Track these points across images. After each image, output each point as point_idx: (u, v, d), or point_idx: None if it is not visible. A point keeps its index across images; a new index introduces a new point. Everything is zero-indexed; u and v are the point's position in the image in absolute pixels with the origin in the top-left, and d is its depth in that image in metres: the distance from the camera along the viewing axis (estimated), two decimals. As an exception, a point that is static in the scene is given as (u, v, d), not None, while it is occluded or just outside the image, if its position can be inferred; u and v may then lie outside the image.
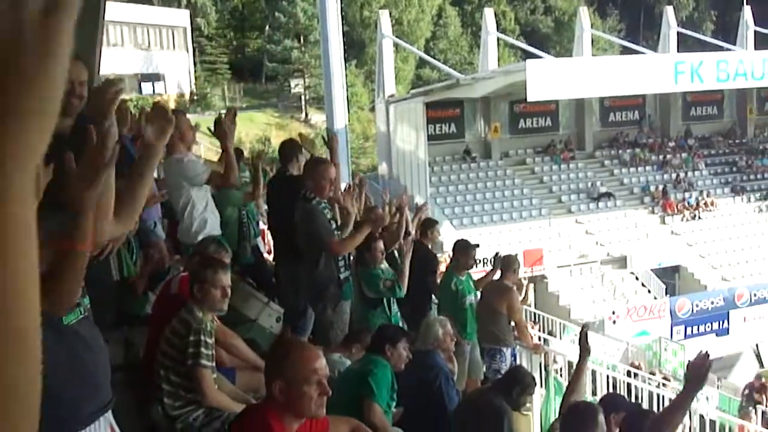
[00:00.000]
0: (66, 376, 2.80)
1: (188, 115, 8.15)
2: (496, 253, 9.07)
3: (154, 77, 51.75)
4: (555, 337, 18.47)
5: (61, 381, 2.76)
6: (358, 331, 6.45)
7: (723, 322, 30.46)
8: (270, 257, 10.11)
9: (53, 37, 0.75)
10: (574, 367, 5.57)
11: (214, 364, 4.53)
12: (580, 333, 5.50)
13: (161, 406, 4.44)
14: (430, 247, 9.40)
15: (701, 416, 11.14)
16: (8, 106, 0.73)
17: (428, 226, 9.48)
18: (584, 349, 5.38)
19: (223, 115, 6.25)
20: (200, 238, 6.35)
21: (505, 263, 8.63)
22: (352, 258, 7.21)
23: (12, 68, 0.73)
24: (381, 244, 7.42)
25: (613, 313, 28.67)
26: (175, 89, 53.39)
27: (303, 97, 57.88)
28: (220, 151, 6.65)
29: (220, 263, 4.76)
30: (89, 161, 2.09)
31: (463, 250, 8.79)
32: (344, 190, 7.32)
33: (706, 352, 4.82)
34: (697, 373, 4.56)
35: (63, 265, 2.16)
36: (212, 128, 6.24)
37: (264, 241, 11.16)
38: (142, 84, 50.84)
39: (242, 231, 8.39)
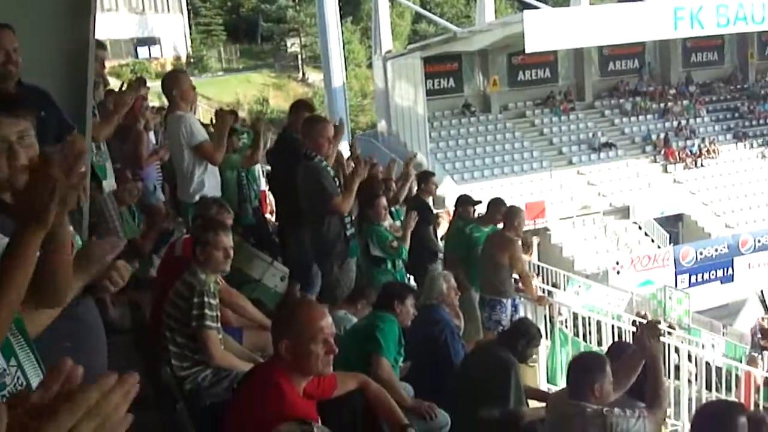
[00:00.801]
0: (65, 353, 2.80)
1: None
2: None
3: (150, 41, 51.39)
4: (559, 288, 18.51)
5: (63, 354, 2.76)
6: (362, 287, 6.47)
7: (727, 270, 30.54)
8: (272, 218, 10.12)
9: None
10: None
11: (219, 324, 4.54)
12: (641, 329, 4.90)
13: (169, 368, 4.46)
14: (427, 200, 9.40)
15: (707, 363, 11.17)
16: None
17: (423, 178, 9.46)
18: (643, 347, 4.79)
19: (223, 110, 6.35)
20: (198, 197, 6.35)
21: (509, 215, 8.61)
22: (355, 216, 7.22)
23: None
24: (384, 200, 7.43)
25: (617, 263, 28.73)
26: (171, 52, 53.04)
27: (299, 56, 57.46)
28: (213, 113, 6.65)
29: (221, 224, 4.75)
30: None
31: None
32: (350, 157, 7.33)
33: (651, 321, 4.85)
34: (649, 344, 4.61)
35: (51, 273, 2.19)
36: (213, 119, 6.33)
37: (265, 202, 11.16)
38: (138, 48, 50.54)
39: (242, 193, 8.40)
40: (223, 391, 4.41)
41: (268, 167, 10.04)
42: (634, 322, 13.15)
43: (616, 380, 4.54)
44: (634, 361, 4.84)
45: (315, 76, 52.87)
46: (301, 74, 57.10)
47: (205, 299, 4.40)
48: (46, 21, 4.81)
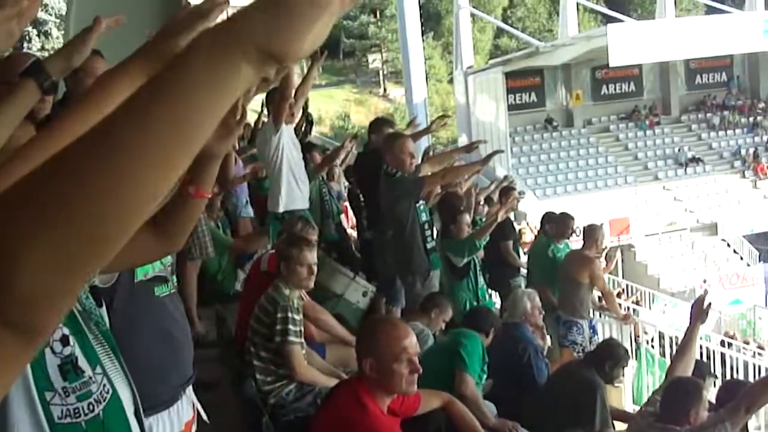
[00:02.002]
0: (156, 346, 2.92)
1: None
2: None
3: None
4: (644, 307, 18.13)
5: (151, 349, 2.88)
6: (435, 296, 6.42)
7: (820, 288, 29.45)
8: (353, 233, 10.20)
9: None
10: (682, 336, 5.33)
11: (303, 340, 4.58)
12: (697, 300, 5.20)
13: (254, 382, 4.52)
14: (509, 215, 9.35)
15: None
16: None
17: (504, 193, 9.40)
18: (696, 316, 5.13)
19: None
20: (285, 207, 6.45)
21: (587, 233, 8.50)
22: (437, 232, 7.23)
23: None
24: (467, 217, 7.40)
25: (704, 281, 27.97)
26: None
27: (381, 71, 57.87)
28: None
29: (305, 241, 4.80)
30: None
31: (562, 221, 9.02)
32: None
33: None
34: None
35: (182, 209, 2.02)
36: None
37: (347, 217, 11.26)
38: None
39: (324, 208, 8.48)
40: (306, 406, 4.46)
41: (347, 183, 10.15)
42: (722, 342, 12.81)
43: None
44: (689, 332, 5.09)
45: (396, 92, 53.16)
46: (382, 90, 57.49)
47: (289, 314, 4.45)
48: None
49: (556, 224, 9.04)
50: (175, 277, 3.07)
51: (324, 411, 3.39)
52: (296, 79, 6.59)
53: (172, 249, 2.16)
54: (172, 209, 1.92)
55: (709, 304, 5.15)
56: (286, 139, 6.59)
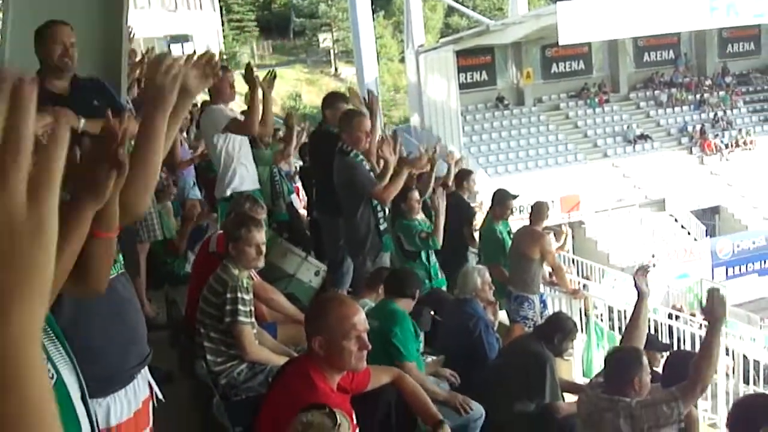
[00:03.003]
0: (110, 327, 2.92)
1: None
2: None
3: (183, 38, 51.68)
4: (594, 282, 18.38)
5: (106, 332, 2.88)
6: (378, 271, 6.42)
7: (765, 262, 30.16)
8: (305, 213, 10.17)
9: (40, 226, 0.78)
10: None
11: (253, 319, 4.57)
12: (636, 273, 5.26)
13: (204, 363, 4.50)
14: (466, 197, 9.38)
15: (744, 356, 11.05)
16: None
17: (464, 176, 9.44)
18: (640, 291, 5.21)
19: (252, 66, 6.35)
20: (232, 190, 6.39)
21: (535, 209, 8.58)
22: (388, 210, 7.21)
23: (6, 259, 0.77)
24: (416, 194, 7.40)
25: (653, 256, 28.47)
26: (203, 49, 53.14)
27: (332, 51, 57.61)
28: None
29: (253, 221, 4.77)
30: (108, 149, 2.03)
31: (501, 201, 8.91)
32: (379, 140, 7.28)
33: (716, 288, 4.83)
34: (712, 308, 4.53)
35: (93, 251, 2.19)
36: (244, 72, 6.33)
37: (299, 197, 11.22)
38: (171, 46, 50.85)
39: (275, 188, 8.43)
40: (258, 386, 4.45)
41: (300, 162, 10.10)
42: (670, 315, 13.05)
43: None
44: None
45: (347, 71, 53.00)
46: (333, 69, 57.25)
47: (238, 295, 4.43)
48: (79, 17, 4.89)
49: (495, 204, 9.04)
50: (122, 256, 3.04)
51: (274, 390, 3.38)
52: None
53: (88, 292, 2.34)
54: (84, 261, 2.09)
55: (644, 276, 5.20)
56: (225, 113, 6.51)
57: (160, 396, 3.27)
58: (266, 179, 8.26)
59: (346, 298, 3.66)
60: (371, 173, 6.62)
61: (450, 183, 9.30)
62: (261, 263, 4.70)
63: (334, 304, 3.34)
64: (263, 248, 4.66)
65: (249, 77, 6.19)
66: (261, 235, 4.64)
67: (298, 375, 3.22)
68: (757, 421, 4.10)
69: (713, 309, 4.47)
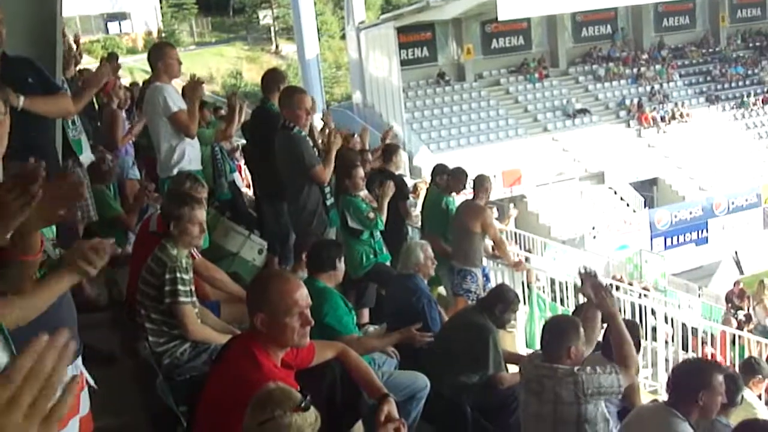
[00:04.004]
0: (36, 328, 2.82)
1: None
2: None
3: (120, 16, 50.78)
4: (536, 254, 18.63)
5: (32, 332, 2.78)
6: (300, 243, 6.40)
7: (702, 232, 30.88)
8: (249, 191, 10.11)
9: None
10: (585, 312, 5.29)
11: (194, 299, 4.54)
12: (583, 282, 4.95)
13: (147, 343, 4.46)
14: (395, 172, 9.40)
15: (683, 324, 11.34)
16: None
17: (392, 151, 9.46)
18: (608, 312, 4.79)
19: (194, 78, 6.32)
20: (178, 169, 6.33)
21: (477, 183, 8.66)
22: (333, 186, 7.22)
23: None
24: (361, 171, 7.41)
25: (593, 228, 28.96)
26: (142, 27, 52.43)
27: (272, 28, 57.02)
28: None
29: (195, 199, 4.73)
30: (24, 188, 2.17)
31: (456, 176, 9.05)
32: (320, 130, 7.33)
33: (588, 272, 4.88)
34: (590, 293, 4.64)
35: (14, 272, 2.37)
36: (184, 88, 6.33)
37: (242, 175, 11.14)
38: (108, 24, 49.89)
39: (217, 167, 8.38)
40: (202, 365, 4.43)
41: (243, 141, 10.01)
42: (610, 285, 13.30)
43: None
44: (590, 314, 4.98)
45: (288, 48, 52.58)
46: (274, 46, 56.72)
47: (178, 275, 4.40)
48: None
49: (449, 177, 9.12)
50: (57, 251, 2.99)
51: (217, 368, 3.36)
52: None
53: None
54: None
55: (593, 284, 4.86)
56: (173, 97, 6.44)
57: (92, 383, 3.24)
58: (207, 158, 8.18)
59: (288, 275, 3.65)
60: (315, 149, 6.64)
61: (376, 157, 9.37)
62: (202, 242, 4.68)
63: (275, 280, 3.32)
64: (205, 227, 4.63)
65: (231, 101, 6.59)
66: (202, 213, 4.61)
67: (241, 352, 3.21)
68: (696, 385, 4.23)
69: (602, 302, 4.55)
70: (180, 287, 4.39)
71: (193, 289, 4.55)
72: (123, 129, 8.32)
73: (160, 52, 6.51)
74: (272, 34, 57.14)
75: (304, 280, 4.88)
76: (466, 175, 9.17)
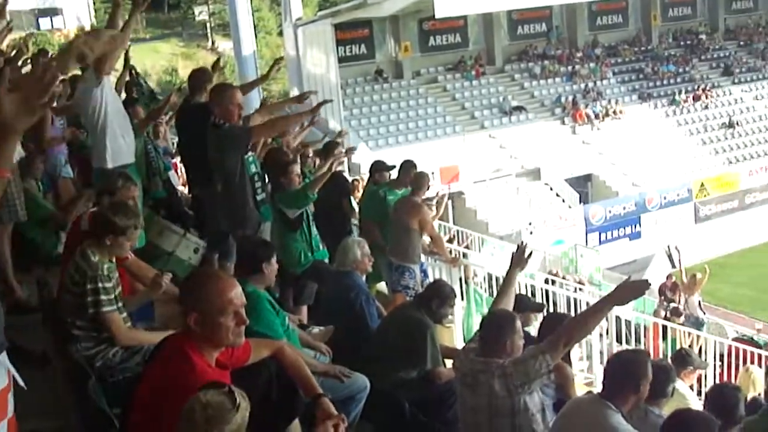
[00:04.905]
0: None
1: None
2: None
3: (51, 12, 49.64)
4: (474, 251, 18.76)
5: None
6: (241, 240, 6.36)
7: (635, 226, 31.56)
8: (185, 189, 9.99)
9: None
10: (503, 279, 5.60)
11: (120, 304, 4.45)
12: (517, 248, 5.52)
13: (78, 346, 4.37)
14: (342, 170, 9.42)
15: (617, 317, 11.54)
16: None
17: (331, 148, 9.46)
18: (516, 262, 5.42)
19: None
20: (112, 162, 6.26)
21: (415, 180, 8.70)
22: (269, 184, 7.18)
23: None
24: (297, 168, 7.37)
25: (530, 224, 29.32)
26: (74, 23, 51.29)
27: (208, 24, 56.35)
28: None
29: (138, 217, 4.66)
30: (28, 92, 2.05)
31: (407, 170, 9.10)
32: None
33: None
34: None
35: None
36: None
37: (177, 173, 11.01)
38: (40, 19, 48.73)
39: (150, 165, 8.26)
40: (135, 366, 4.36)
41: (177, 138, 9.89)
42: (546, 280, 13.49)
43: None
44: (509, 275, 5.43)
45: (225, 45, 51.94)
46: (210, 43, 56.06)
47: (99, 285, 4.32)
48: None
49: (390, 172, 9.16)
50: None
51: (150, 368, 3.30)
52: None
53: None
54: None
55: (530, 253, 5.50)
56: (108, 90, 6.36)
57: (21, 383, 3.16)
58: (141, 155, 8.07)
59: (222, 273, 3.61)
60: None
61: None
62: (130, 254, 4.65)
63: (209, 279, 3.28)
64: (136, 243, 4.62)
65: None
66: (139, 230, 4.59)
67: (175, 352, 3.15)
68: (630, 376, 4.32)
69: (627, 295, 4.54)
70: (102, 297, 4.31)
71: (120, 292, 4.46)
72: (52, 129, 8.12)
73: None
74: (208, 30, 56.48)
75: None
76: (415, 169, 9.18)
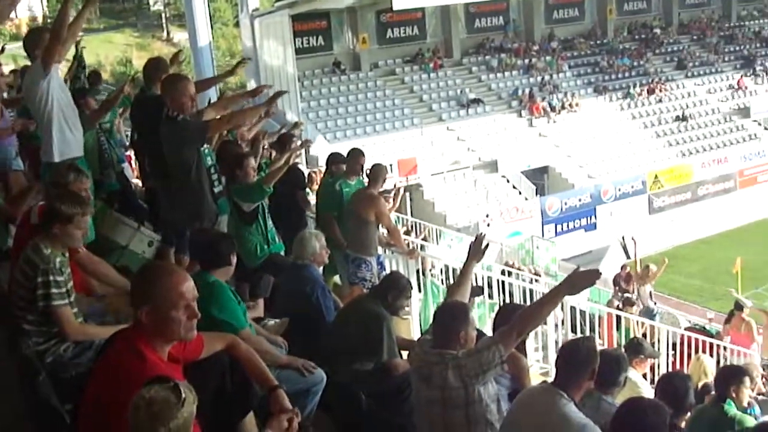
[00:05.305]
0: None
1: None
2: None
3: (0, 0, 48.63)
4: (432, 243, 18.84)
5: None
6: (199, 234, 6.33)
7: (591, 218, 31.95)
8: (138, 182, 9.89)
9: None
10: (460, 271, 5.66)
11: (71, 298, 4.38)
12: (475, 239, 5.56)
13: (29, 341, 4.30)
14: (298, 163, 9.37)
15: (572, 308, 11.67)
16: None
17: (287, 140, 9.42)
18: (473, 254, 5.46)
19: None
20: (60, 156, 6.17)
21: (373, 172, 8.69)
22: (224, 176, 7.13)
23: None
24: (252, 161, 7.34)
25: (487, 216, 29.52)
26: (25, 12, 50.42)
27: (163, 14, 55.77)
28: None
29: (86, 204, 4.59)
30: None
31: (353, 157, 9.03)
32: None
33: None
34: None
35: None
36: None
37: (131, 166, 10.89)
38: (-13, 8, 47.73)
39: (103, 157, 8.16)
40: (87, 361, 4.28)
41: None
42: (503, 271, 13.60)
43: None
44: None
45: (180, 36, 51.49)
46: (165, 33, 55.51)
47: (51, 278, 4.24)
48: None
49: (345, 163, 9.12)
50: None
51: (100, 364, 3.25)
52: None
53: None
54: None
55: (487, 245, 5.53)
56: (56, 82, 6.26)
57: None
58: (93, 147, 7.96)
59: (174, 266, 3.58)
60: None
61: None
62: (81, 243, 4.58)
63: (160, 272, 3.24)
64: (88, 231, 4.54)
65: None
66: (89, 218, 4.51)
67: (126, 347, 3.11)
68: (587, 363, 4.38)
69: (578, 284, 4.57)
70: (53, 290, 4.24)
71: (71, 287, 4.39)
72: (1, 120, 7.95)
73: (39, 38, 6.35)
74: (163, 20, 55.90)
75: (195, 274, 4.79)
76: (363, 156, 9.16)
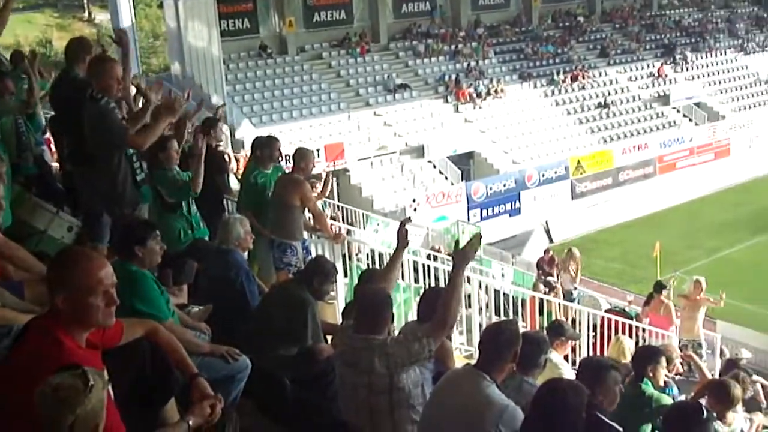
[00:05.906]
0: None
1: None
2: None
3: None
4: (359, 227, 18.87)
5: None
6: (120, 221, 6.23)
7: (515, 203, 32.43)
8: (57, 165, 9.64)
9: None
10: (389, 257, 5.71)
11: None
12: (400, 226, 5.64)
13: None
14: (214, 146, 9.23)
15: (496, 291, 11.84)
16: None
17: (209, 125, 9.29)
18: (401, 241, 5.54)
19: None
20: None
21: (297, 156, 8.63)
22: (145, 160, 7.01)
23: None
24: (176, 144, 7.24)
25: (414, 200, 29.71)
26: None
27: (84, -6, 54.35)
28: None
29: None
30: None
31: (267, 144, 8.87)
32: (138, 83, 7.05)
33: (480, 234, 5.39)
34: (466, 253, 4.85)
35: None
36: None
37: (50, 149, 10.61)
38: None
39: (21, 140, 7.93)
40: (4, 350, 4.18)
41: (52, 112, 9.52)
42: (429, 256, 13.70)
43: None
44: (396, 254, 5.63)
45: (102, 16, 50.24)
46: (87, 14, 54.08)
47: None
48: None
49: (261, 149, 9.01)
50: None
51: (16, 351, 3.16)
52: None
53: None
54: None
55: (405, 231, 5.63)
56: None
57: None
58: (10, 130, 7.75)
59: (92, 252, 3.51)
60: (123, 121, 6.40)
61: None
62: None
63: (78, 258, 3.18)
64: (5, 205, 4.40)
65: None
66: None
67: (42, 334, 3.05)
68: (509, 345, 4.47)
69: (467, 253, 4.72)
70: None
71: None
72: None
73: None
74: (84, 0, 54.45)
75: (115, 263, 4.69)
76: (278, 143, 9.06)
